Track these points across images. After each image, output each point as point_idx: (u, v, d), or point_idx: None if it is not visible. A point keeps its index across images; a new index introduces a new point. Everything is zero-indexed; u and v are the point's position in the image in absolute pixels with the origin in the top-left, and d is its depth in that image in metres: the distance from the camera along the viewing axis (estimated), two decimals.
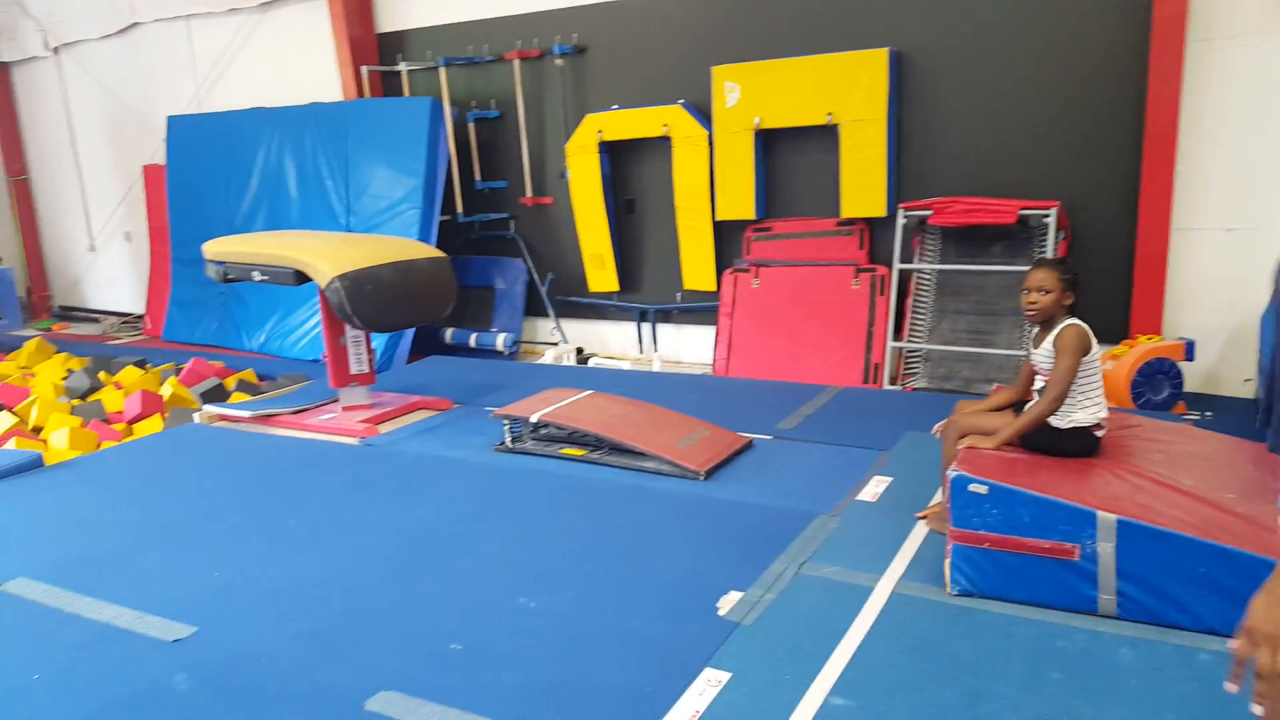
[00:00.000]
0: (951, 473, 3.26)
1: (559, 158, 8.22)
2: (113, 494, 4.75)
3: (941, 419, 3.96)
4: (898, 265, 6.68)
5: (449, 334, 8.68)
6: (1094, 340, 3.49)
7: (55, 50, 11.44)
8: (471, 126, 8.56)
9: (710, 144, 7.30)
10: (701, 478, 4.51)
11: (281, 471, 5.02)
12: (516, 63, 8.17)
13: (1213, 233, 6.02)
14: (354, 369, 5.88)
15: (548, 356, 8.09)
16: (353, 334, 5.80)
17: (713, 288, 7.66)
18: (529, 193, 8.49)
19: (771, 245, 7.35)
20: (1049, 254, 6.06)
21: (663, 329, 8.21)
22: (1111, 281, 6.27)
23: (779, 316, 7.21)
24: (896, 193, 6.85)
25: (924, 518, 3.86)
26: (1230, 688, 1.45)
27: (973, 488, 3.18)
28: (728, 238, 7.59)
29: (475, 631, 3.16)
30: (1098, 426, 3.52)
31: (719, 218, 7.43)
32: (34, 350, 8.81)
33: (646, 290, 8.18)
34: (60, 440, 6.01)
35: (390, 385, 6.61)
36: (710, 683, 2.75)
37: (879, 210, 6.79)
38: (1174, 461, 3.50)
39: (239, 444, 5.59)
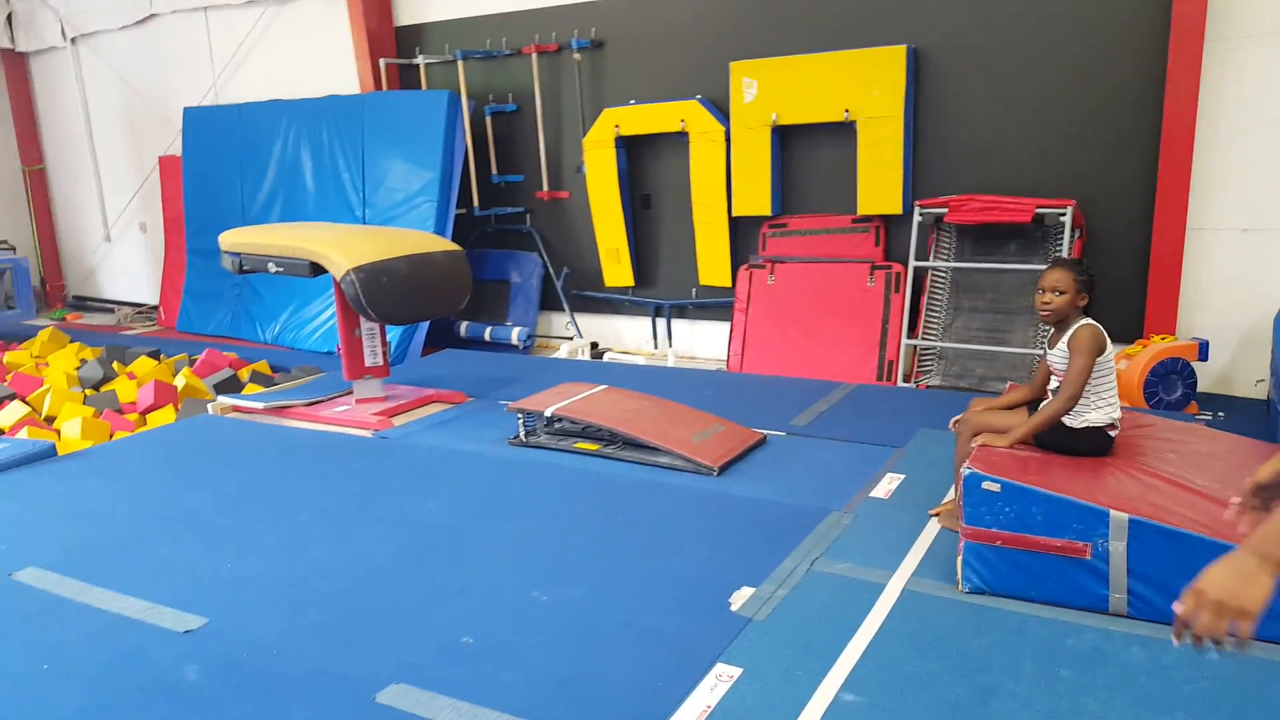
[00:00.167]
0: (965, 470, 3.26)
1: (576, 152, 8.23)
2: (125, 484, 4.75)
3: (955, 416, 3.96)
4: (913, 263, 6.66)
5: (464, 327, 8.69)
6: (1108, 341, 3.48)
7: (73, 41, 11.48)
8: (488, 120, 8.57)
9: (727, 140, 7.29)
10: (715, 473, 4.52)
11: (294, 463, 5.03)
12: (534, 57, 8.18)
13: (1228, 233, 5.98)
14: (368, 361, 5.90)
15: (562, 351, 8.10)
16: (367, 326, 5.81)
17: (728, 283, 7.66)
18: (545, 187, 8.50)
19: (787, 242, 7.35)
20: (1064, 253, 6.04)
21: (678, 324, 8.21)
22: (1126, 281, 6.25)
23: (794, 313, 7.20)
24: (912, 190, 6.84)
25: (937, 515, 3.86)
26: (1177, 643, 1.51)
27: (986, 485, 3.18)
28: (744, 234, 7.59)
29: (487, 625, 3.16)
30: (1111, 426, 3.52)
31: (735, 213, 7.43)
32: (47, 340, 8.83)
33: (662, 285, 8.18)
34: (73, 430, 6.00)
35: (404, 378, 6.64)
36: (721, 678, 2.76)
37: (895, 207, 6.78)
38: (1186, 461, 3.49)
39: (252, 435, 5.61)
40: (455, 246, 5.99)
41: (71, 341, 8.99)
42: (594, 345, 8.43)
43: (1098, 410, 3.48)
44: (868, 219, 7.03)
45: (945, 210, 6.39)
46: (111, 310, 11.98)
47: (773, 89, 6.99)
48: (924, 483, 4.24)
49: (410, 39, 8.96)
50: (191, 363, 7.76)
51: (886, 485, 4.25)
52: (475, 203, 8.64)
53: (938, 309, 6.69)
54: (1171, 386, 5.63)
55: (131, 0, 10.66)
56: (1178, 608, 1.48)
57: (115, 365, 7.75)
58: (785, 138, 7.24)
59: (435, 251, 5.75)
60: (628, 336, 8.52)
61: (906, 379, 6.71)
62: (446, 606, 3.31)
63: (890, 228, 7.01)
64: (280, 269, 5.70)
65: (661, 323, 8.22)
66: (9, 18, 11.86)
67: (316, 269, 5.56)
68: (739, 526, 3.91)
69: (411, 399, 6.02)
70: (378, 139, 8.48)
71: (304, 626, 3.20)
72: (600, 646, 3.00)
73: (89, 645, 3.11)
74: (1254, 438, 3.97)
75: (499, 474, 4.69)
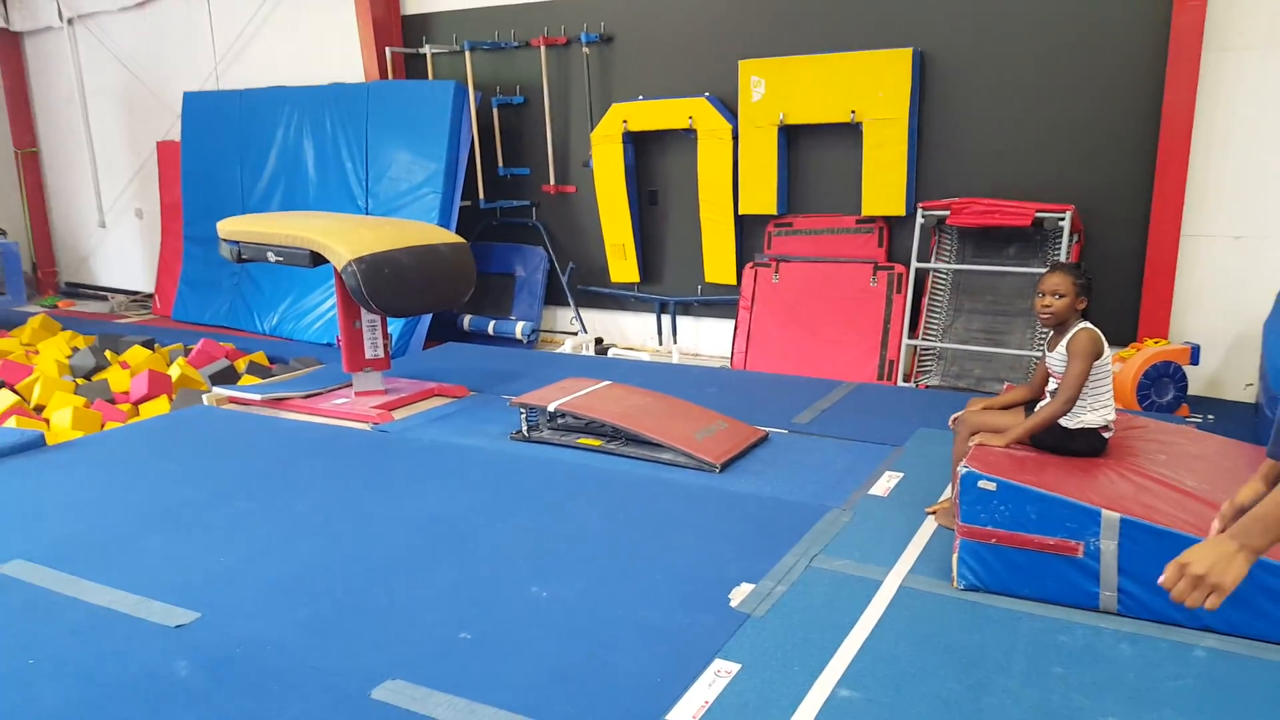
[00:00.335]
0: (961, 469, 3.31)
1: (583, 146, 8.23)
2: (116, 476, 4.66)
3: (954, 414, 4.01)
4: (915, 264, 6.70)
5: (467, 321, 8.67)
6: (1106, 345, 3.53)
7: (70, 21, 11.25)
8: (495, 112, 8.54)
9: (734, 138, 7.31)
10: (717, 470, 4.54)
11: (291, 456, 4.96)
12: (543, 49, 8.16)
13: (1220, 240, 6.06)
14: (369, 354, 5.84)
15: (566, 346, 8.11)
16: (368, 318, 5.76)
17: (733, 281, 7.69)
18: (552, 180, 8.50)
19: (792, 240, 7.38)
20: (1063, 257, 6.09)
21: (682, 321, 8.23)
22: (1121, 285, 6.31)
23: (797, 311, 7.24)
24: (916, 192, 6.87)
25: (933, 513, 3.91)
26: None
27: (982, 484, 3.23)
28: (749, 232, 7.62)
29: (486, 620, 3.15)
30: (1105, 428, 3.57)
31: (741, 212, 7.45)
32: (38, 327, 8.64)
33: (667, 282, 8.20)
34: (63, 420, 5.85)
35: (406, 371, 6.61)
36: (720, 673, 2.79)
37: (899, 209, 6.82)
38: (1177, 463, 3.55)
39: (248, 427, 5.53)
40: (459, 239, 5.96)
41: (63, 329, 8.82)
42: (598, 341, 8.45)
43: (1093, 412, 3.53)
44: (871, 220, 7.07)
45: (947, 212, 6.43)
46: (105, 298, 11.80)
47: (780, 88, 7.01)
48: (922, 481, 4.29)
49: (417, 28, 8.93)
50: (187, 352, 7.63)
51: (885, 483, 4.29)
52: (481, 195, 8.59)
53: (938, 310, 6.73)
54: (1164, 389, 5.69)
55: None
56: (1162, 581, 1.70)
57: (108, 354, 7.53)
58: (792, 137, 7.27)
59: (439, 243, 5.71)
60: (632, 332, 8.54)
61: (907, 379, 6.75)
62: (444, 601, 3.29)
63: (893, 229, 7.05)
64: (280, 258, 5.61)
65: (666, 319, 8.24)
66: None
67: (317, 259, 5.47)
68: (739, 523, 3.94)
69: (412, 392, 5.98)
70: (382, 129, 8.44)
71: (298, 621, 3.15)
72: (599, 642, 3.01)
73: (76, 640, 3.04)
74: (1242, 440, 4.02)
75: (500, 469, 4.67)
